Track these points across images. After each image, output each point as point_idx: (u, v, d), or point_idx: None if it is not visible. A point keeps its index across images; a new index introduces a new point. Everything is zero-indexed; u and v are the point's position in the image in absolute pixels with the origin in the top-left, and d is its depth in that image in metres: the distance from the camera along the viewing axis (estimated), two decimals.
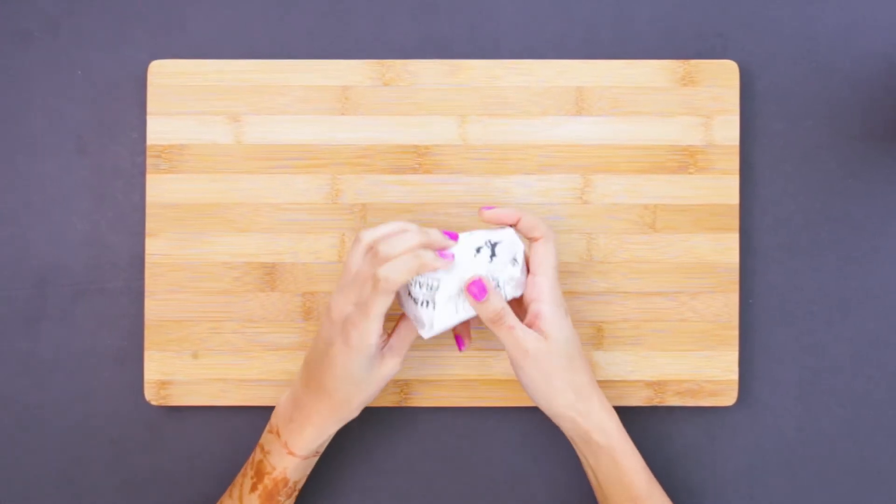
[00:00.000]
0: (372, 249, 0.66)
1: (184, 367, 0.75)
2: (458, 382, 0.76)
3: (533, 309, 0.68)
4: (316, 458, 0.71)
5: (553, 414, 0.69)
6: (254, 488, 0.70)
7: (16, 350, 0.77)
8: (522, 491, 0.77)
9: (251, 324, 0.76)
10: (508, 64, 0.76)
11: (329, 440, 0.70)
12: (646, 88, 0.76)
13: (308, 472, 0.71)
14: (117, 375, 0.77)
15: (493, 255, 0.68)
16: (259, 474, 0.70)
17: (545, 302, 0.67)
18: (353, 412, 0.69)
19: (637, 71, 0.76)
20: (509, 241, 0.69)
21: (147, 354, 0.75)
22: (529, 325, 0.67)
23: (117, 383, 0.77)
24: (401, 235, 0.65)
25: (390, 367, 0.68)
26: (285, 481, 0.70)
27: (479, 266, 0.67)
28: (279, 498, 0.70)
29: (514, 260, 0.68)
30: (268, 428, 0.71)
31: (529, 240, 0.69)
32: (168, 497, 0.77)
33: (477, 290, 0.66)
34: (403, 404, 0.76)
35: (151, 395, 0.75)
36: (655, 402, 0.76)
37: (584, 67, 0.76)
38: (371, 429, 0.77)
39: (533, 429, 0.77)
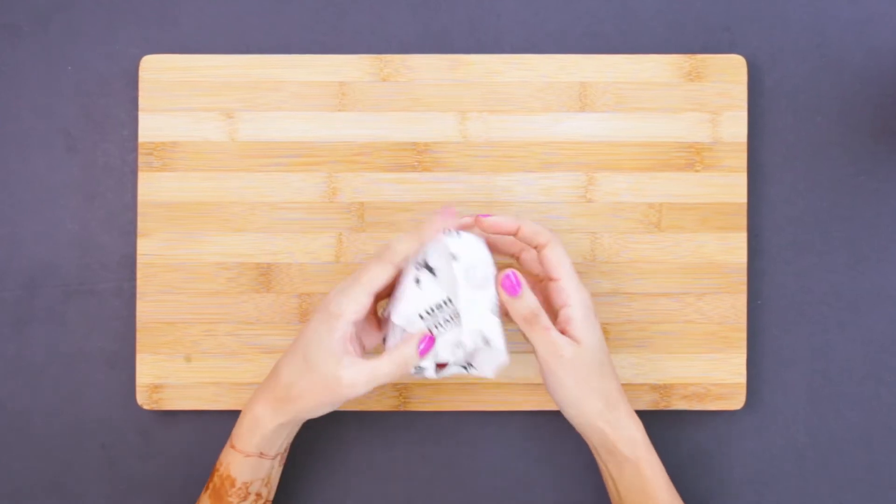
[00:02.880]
0: None
1: (177, 370, 0.75)
2: (458, 386, 0.75)
3: (563, 314, 0.65)
4: (268, 462, 0.67)
5: (581, 422, 0.67)
6: (206, 488, 0.68)
7: (4, 352, 0.76)
8: (524, 496, 0.76)
9: (246, 326, 0.75)
10: (509, 59, 0.75)
11: (278, 442, 0.67)
12: (651, 84, 0.75)
13: (262, 475, 0.67)
14: (108, 379, 0.76)
15: (433, 275, 0.65)
16: (212, 473, 0.69)
17: (574, 306, 0.65)
18: (294, 405, 0.64)
19: (642, 66, 0.75)
20: (469, 258, 0.65)
21: (139, 357, 0.75)
22: (561, 330, 0.65)
23: (108, 387, 0.76)
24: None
25: (352, 374, 0.63)
26: (231, 480, 0.67)
27: (427, 297, 0.64)
28: (229, 499, 0.67)
29: (486, 279, 0.65)
30: None
31: (534, 248, 0.67)
32: (160, 503, 0.76)
33: (511, 283, 0.64)
34: (402, 408, 0.75)
35: (143, 398, 0.75)
36: (661, 406, 0.75)
37: (587, 62, 0.75)
38: (369, 433, 0.76)
39: (535, 433, 0.76)
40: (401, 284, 0.66)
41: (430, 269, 0.65)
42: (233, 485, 0.67)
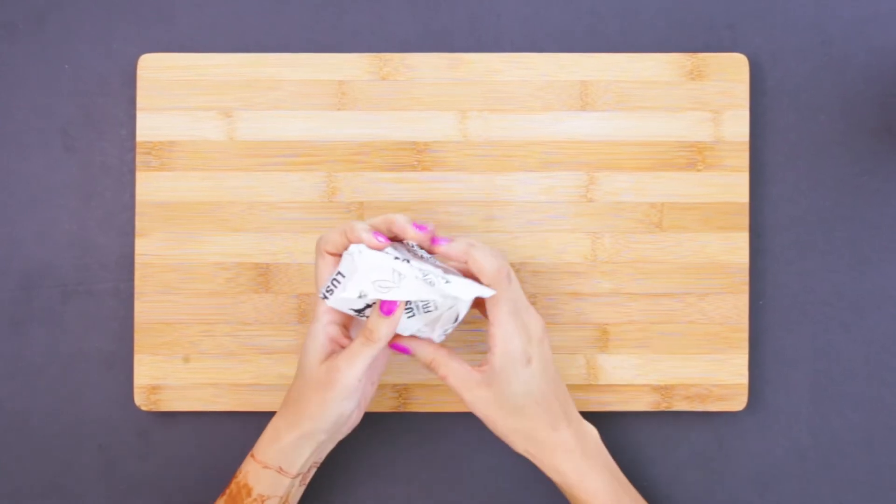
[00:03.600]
0: None
1: (175, 371, 0.74)
2: None
3: (486, 358, 0.66)
4: (287, 479, 0.67)
5: (513, 449, 0.68)
6: (223, 493, 0.68)
7: (2, 353, 0.76)
8: (525, 499, 0.76)
9: (245, 326, 0.75)
10: (510, 57, 0.75)
11: (298, 460, 0.67)
12: (652, 83, 0.75)
13: (280, 493, 0.67)
14: (106, 380, 0.76)
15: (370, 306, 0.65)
16: (231, 479, 0.69)
17: (496, 355, 0.65)
18: (303, 414, 0.65)
19: (643, 65, 0.75)
20: (368, 283, 0.64)
21: (137, 358, 0.74)
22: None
23: (106, 388, 0.76)
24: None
25: (335, 361, 0.64)
26: (248, 489, 0.67)
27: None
28: None
29: (395, 275, 0.64)
30: None
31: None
32: None
33: (398, 350, 0.67)
34: (402, 409, 0.75)
35: (141, 400, 0.74)
36: (662, 407, 0.75)
37: (588, 61, 0.75)
38: (369, 435, 0.76)
39: None
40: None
41: (368, 307, 0.65)
42: (249, 494, 0.67)
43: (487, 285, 0.65)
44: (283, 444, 0.66)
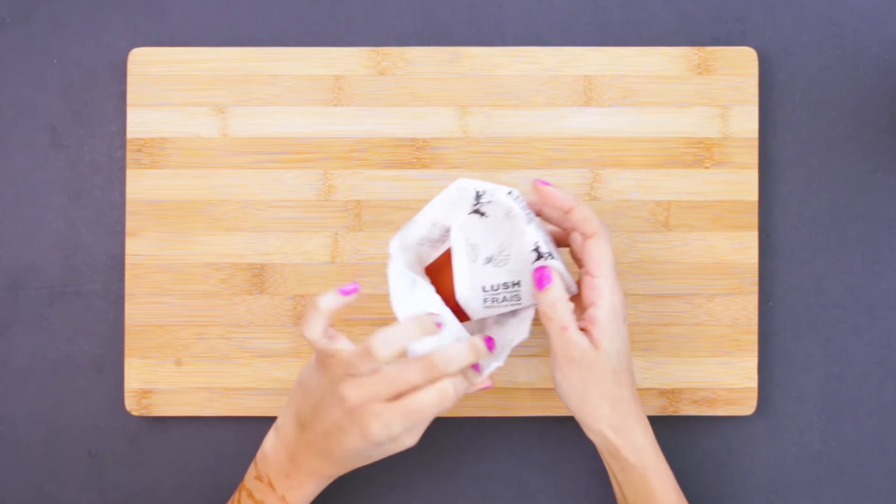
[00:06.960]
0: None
1: (166, 374, 0.74)
2: None
3: (589, 313, 0.65)
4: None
5: (585, 424, 0.66)
6: None
7: None
8: None
9: (238, 329, 0.74)
10: (512, 51, 0.74)
11: None
12: (659, 77, 0.74)
13: None
14: (95, 384, 0.75)
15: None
16: None
17: (602, 308, 0.64)
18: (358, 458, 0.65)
19: (650, 59, 0.74)
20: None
21: (127, 362, 0.74)
22: (583, 328, 0.65)
23: (95, 392, 0.75)
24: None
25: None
26: None
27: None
28: None
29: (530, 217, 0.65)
30: (255, 474, 0.67)
31: (581, 235, 0.66)
32: None
33: (540, 277, 0.64)
34: None
35: (132, 404, 0.74)
36: (670, 412, 0.74)
37: (592, 55, 0.74)
38: None
39: (541, 441, 0.75)
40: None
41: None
42: None
43: (592, 233, 0.64)
44: (325, 484, 0.67)
